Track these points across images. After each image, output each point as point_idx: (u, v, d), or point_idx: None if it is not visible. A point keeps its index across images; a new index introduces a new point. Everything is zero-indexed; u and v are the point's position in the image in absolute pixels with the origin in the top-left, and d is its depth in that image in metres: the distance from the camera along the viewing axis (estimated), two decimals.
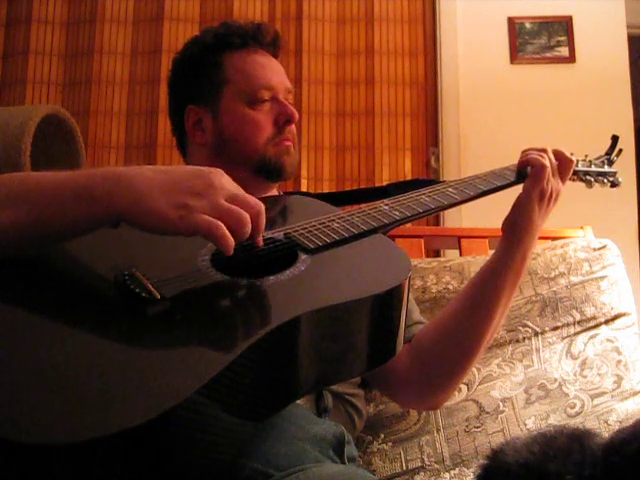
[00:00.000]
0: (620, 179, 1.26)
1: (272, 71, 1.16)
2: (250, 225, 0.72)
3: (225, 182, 0.74)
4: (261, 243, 0.77)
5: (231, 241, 0.70)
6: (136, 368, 0.62)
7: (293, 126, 1.14)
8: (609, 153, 1.27)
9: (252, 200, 0.73)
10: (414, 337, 1.05)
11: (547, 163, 1.03)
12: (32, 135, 1.39)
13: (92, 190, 0.72)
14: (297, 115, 1.14)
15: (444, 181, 1.07)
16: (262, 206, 0.74)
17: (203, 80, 1.16)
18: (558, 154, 1.08)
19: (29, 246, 0.75)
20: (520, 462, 0.66)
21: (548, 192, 1.04)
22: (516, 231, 1.03)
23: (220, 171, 0.76)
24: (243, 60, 1.15)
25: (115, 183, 0.72)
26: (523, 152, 1.09)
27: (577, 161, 1.21)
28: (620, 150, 1.27)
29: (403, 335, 0.81)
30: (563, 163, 1.08)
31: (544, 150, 1.07)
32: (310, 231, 0.85)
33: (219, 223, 0.69)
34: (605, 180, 1.24)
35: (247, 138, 1.11)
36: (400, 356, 0.81)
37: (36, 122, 1.41)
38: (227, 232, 0.69)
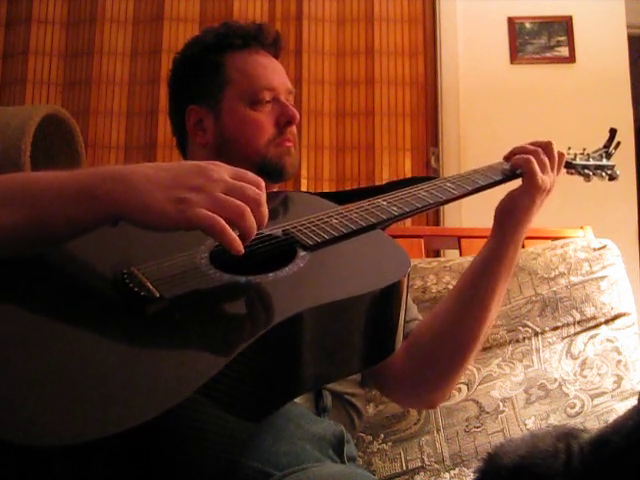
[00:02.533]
0: (618, 172, 1.26)
1: (273, 72, 1.16)
2: (251, 217, 0.71)
3: (224, 174, 0.73)
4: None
5: (232, 235, 0.69)
6: (135, 367, 0.62)
7: (294, 127, 1.14)
8: (607, 146, 1.27)
9: (252, 191, 0.73)
10: (410, 333, 1.05)
11: (532, 158, 1.03)
12: (32, 135, 1.39)
13: (92, 189, 0.72)
14: (298, 116, 1.14)
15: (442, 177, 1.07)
16: (262, 196, 0.73)
17: (204, 80, 1.16)
18: (547, 148, 1.08)
19: (29, 246, 0.74)
20: (510, 466, 0.67)
21: (547, 186, 1.04)
22: (513, 221, 1.03)
23: (219, 164, 0.75)
24: (244, 61, 1.15)
25: (115, 181, 0.72)
26: (511, 153, 1.09)
27: (575, 155, 1.21)
28: (618, 143, 1.27)
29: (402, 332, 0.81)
30: (556, 158, 1.08)
31: (530, 148, 1.07)
32: (308, 227, 0.85)
33: (218, 218, 0.69)
34: (603, 173, 1.24)
35: (248, 139, 1.12)
36: (396, 353, 0.81)
37: (36, 122, 1.41)
38: (227, 226, 0.69)
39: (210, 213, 0.69)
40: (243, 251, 0.70)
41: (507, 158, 1.09)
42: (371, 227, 0.87)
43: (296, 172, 1.19)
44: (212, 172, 0.73)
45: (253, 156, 1.11)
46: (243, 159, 1.10)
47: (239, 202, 0.71)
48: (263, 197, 0.73)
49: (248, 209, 0.71)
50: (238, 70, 1.15)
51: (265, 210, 0.73)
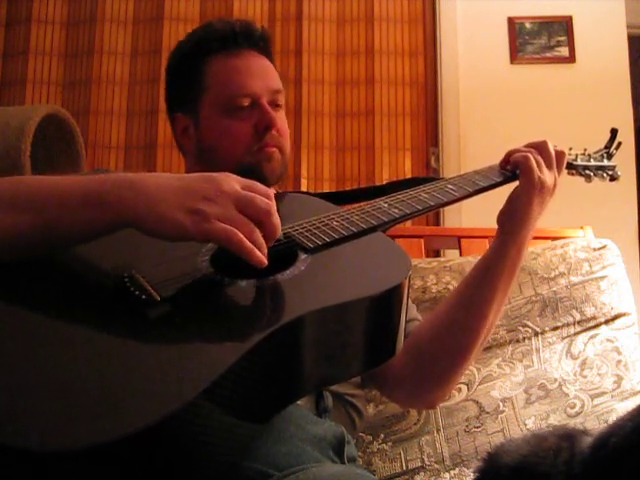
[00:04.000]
0: (619, 172, 1.26)
1: (252, 75, 1.12)
2: (259, 235, 0.71)
3: (235, 185, 0.73)
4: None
5: (250, 247, 0.69)
6: (136, 371, 0.62)
7: (274, 131, 1.10)
8: (608, 147, 1.27)
9: (262, 202, 0.73)
10: (410, 334, 1.05)
11: (530, 155, 1.03)
12: (32, 135, 1.39)
13: (103, 196, 0.72)
14: (277, 120, 1.10)
15: (443, 178, 1.07)
16: (273, 207, 0.73)
17: (185, 88, 1.15)
18: (542, 147, 1.08)
19: (35, 250, 0.74)
20: (511, 465, 0.67)
21: (545, 184, 1.03)
22: (513, 222, 1.03)
23: (230, 175, 0.75)
24: (221, 66, 1.12)
25: (127, 189, 0.72)
26: (506, 156, 1.09)
27: (576, 156, 1.21)
28: (619, 143, 1.27)
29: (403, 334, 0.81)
30: (555, 156, 1.08)
31: (525, 149, 1.07)
32: (309, 230, 0.85)
33: (235, 230, 0.69)
34: (604, 174, 1.24)
35: (225, 148, 1.10)
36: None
37: (36, 122, 1.41)
38: (245, 239, 0.69)
39: (227, 226, 0.69)
40: (266, 262, 0.70)
41: (503, 162, 1.08)
42: (372, 229, 0.87)
43: (282, 176, 1.15)
44: (223, 182, 0.73)
45: (231, 165, 1.06)
46: (222, 167, 1.08)
47: (248, 221, 0.71)
48: (274, 207, 0.73)
49: (257, 230, 0.71)
50: (213, 77, 1.12)
51: (277, 220, 0.73)
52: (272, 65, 1.17)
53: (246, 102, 1.10)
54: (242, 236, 0.69)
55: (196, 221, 0.69)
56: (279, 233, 0.74)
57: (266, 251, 0.72)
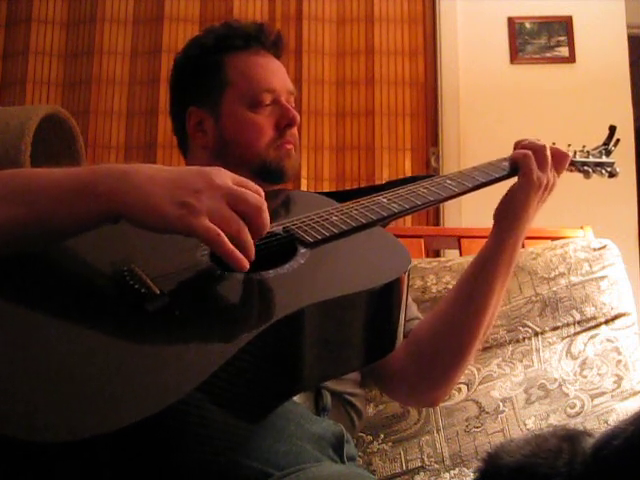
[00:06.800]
0: (618, 169, 1.26)
1: (274, 73, 1.15)
2: (247, 235, 0.71)
3: (227, 181, 0.73)
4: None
5: (228, 247, 0.69)
6: (135, 365, 0.62)
7: (295, 129, 1.14)
8: (607, 143, 1.27)
9: (253, 197, 0.73)
10: (410, 332, 1.05)
11: (530, 154, 1.04)
12: (32, 135, 1.39)
13: (94, 186, 0.72)
14: (298, 118, 1.13)
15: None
16: (264, 204, 0.73)
17: (204, 82, 1.16)
18: (552, 150, 1.08)
19: (30, 243, 0.74)
20: (511, 465, 0.67)
21: (544, 183, 1.04)
22: (510, 219, 1.04)
23: (222, 170, 0.75)
24: (245, 62, 1.15)
25: (117, 180, 0.72)
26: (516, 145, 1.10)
27: (575, 152, 1.22)
28: (617, 140, 1.27)
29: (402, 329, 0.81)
30: (557, 157, 1.08)
31: (532, 144, 1.07)
32: (309, 224, 0.85)
33: (218, 230, 0.69)
34: (603, 170, 1.24)
35: (248, 141, 1.11)
36: (397, 351, 0.81)
37: (36, 122, 1.41)
38: (227, 241, 0.69)
39: (211, 225, 0.69)
40: (247, 267, 0.70)
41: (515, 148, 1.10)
42: (371, 224, 0.87)
43: (296, 173, 1.19)
44: (215, 177, 0.73)
45: (253, 159, 1.10)
46: (243, 161, 1.10)
47: (238, 218, 0.71)
48: (264, 204, 0.73)
49: (245, 229, 0.71)
50: (238, 72, 1.14)
51: (266, 217, 0.73)
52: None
53: (268, 99, 1.12)
54: (224, 238, 0.69)
55: (182, 214, 0.69)
56: (266, 230, 0.74)
57: (253, 249, 0.72)
